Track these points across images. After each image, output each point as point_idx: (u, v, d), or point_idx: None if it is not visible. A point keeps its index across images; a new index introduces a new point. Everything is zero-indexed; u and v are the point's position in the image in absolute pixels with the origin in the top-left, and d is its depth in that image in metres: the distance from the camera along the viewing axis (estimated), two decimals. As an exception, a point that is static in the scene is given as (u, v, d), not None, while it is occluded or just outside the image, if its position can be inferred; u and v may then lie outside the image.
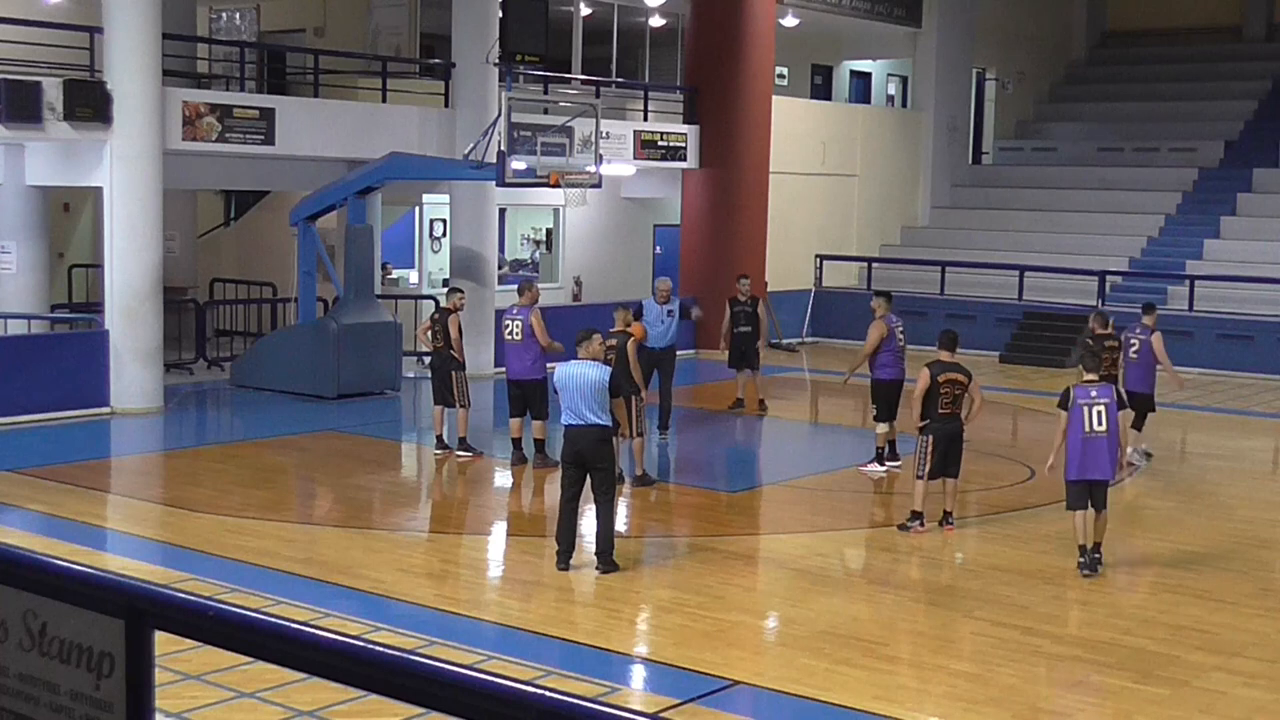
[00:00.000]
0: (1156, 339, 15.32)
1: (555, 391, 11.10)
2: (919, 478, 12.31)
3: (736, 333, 18.08)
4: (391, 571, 10.76)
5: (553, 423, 13.37)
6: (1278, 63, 32.37)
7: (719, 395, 19.86)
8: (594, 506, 10.84)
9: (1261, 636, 9.71)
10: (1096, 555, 11.12)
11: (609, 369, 11.19)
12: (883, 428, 14.69)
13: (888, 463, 14.94)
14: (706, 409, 19.27)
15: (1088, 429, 10.93)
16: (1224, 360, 23.35)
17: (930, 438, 12.19)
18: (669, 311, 16.59)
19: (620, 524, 12.48)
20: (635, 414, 13.56)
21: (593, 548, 10.90)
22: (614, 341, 13.60)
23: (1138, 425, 15.55)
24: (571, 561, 10.84)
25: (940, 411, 12.16)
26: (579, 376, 10.81)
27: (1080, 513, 11.11)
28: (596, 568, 10.77)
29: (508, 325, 14.62)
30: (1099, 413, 10.92)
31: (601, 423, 10.72)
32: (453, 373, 15.08)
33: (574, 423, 10.74)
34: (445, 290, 16.21)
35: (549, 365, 13.33)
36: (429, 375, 15.67)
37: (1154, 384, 15.51)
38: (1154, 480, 15.19)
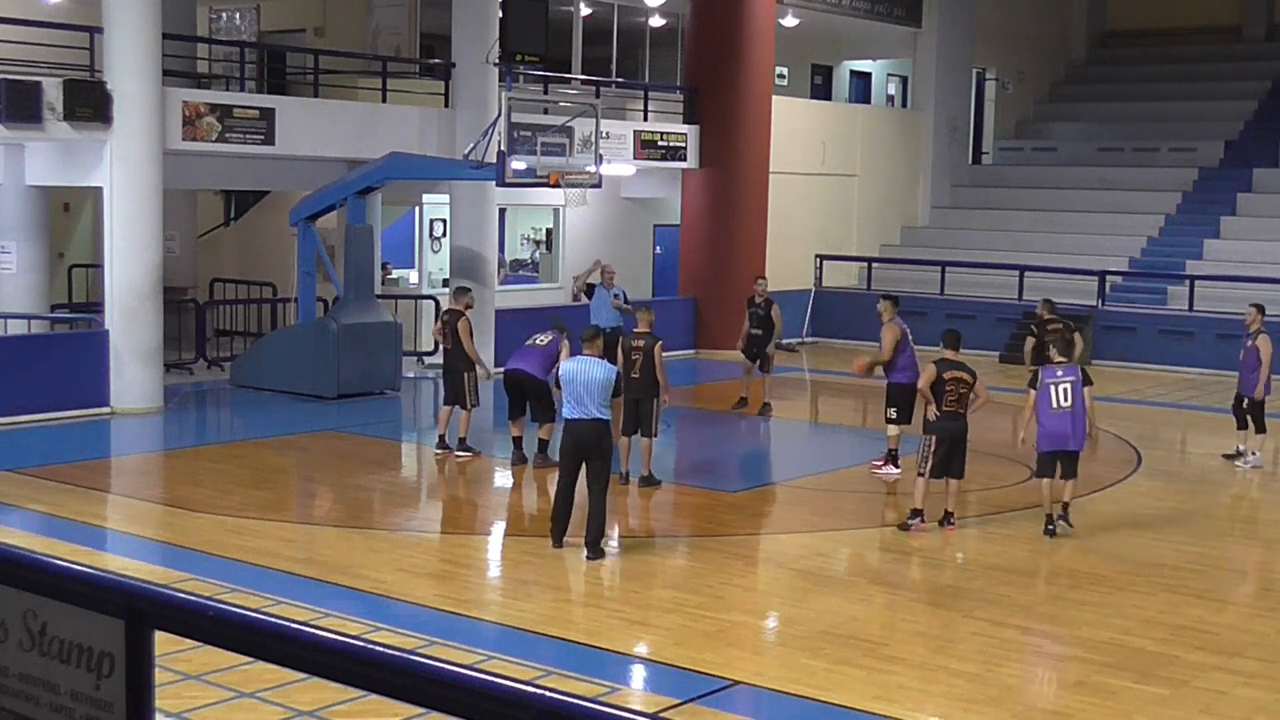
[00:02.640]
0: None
1: (558, 386, 11.45)
2: (920, 475, 12.34)
3: (750, 334, 18.28)
4: (391, 571, 10.75)
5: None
6: (1278, 63, 32.37)
7: (719, 395, 19.87)
8: (588, 496, 11.17)
9: (1261, 636, 9.71)
10: (1063, 515, 12.12)
11: (615, 367, 11.57)
12: (894, 430, 14.67)
13: (888, 466, 14.92)
14: (706, 409, 19.27)
15: (1054, 405, 12.06)
16: (1224, 360, 23.24)
17: (934, 436, 12.23)
18: (615, 295, 18.41)
19: (622, 524, 12.51)
20: (655, 415, 13.85)
21: (585, 545, 11.16)
22: (640, 343, 13.71)
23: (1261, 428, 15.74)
24: (566, 539, 11.23)
25: (944, 409, 12.18)
26: (586, 372, 11.18)
27: (1047, 480, 12.16)
28: (586, 556, 11.09)
29: (537, 338, 14.74)
30: (1064, 390, 12.04)
31: (603, 417, 11.13)
32: (465, 373, 15.11)
33: (577, 416, 11.12)
34: (452, 291, 16.18)
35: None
36: (429, 375, 15.68)
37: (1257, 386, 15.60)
38: (1154, 480, 15.19)
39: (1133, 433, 17.51)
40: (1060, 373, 12.14)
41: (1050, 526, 12.07)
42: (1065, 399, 12.02)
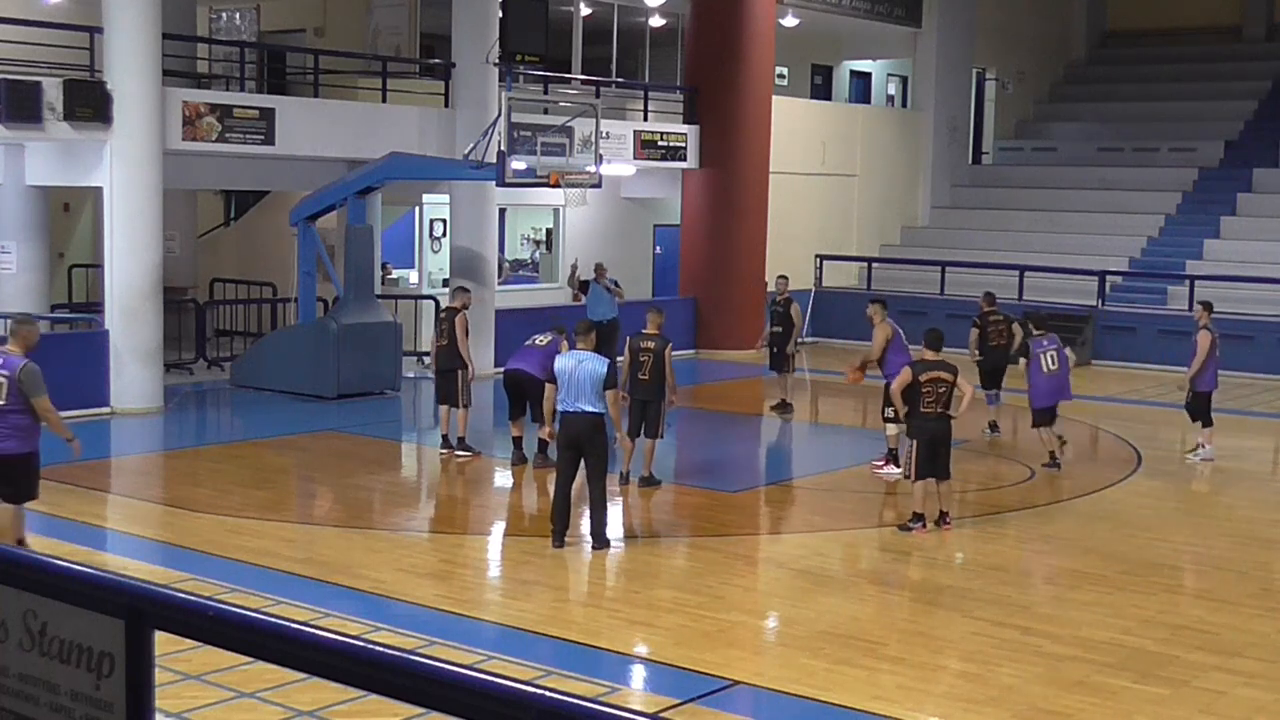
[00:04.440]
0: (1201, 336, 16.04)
1: (554, 380, 11.59)
2: (906, 478, 12.37)
3: (770, 333, 18.34)
4: (391, 571, 10.75)
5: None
6: (1278, 63, 32.37)
7: (720, 395, 19.87)
8: (588, 489, 11.42)
9: (1261, 636, 9.71)
10: (1063, 445, 15.18)
11: (608, 360, 11.69)
12: (893, 429, 14.69)
13: (889, 465, 14.92)
14: (707, 409, 19.27)
15: (1045, 370, 14.94)
16: (1224, 360, 23.17)
17: (914, 440, 12.19)
18: (606, 288, 20.05)
19: (622, 524, 12.52)
20: (661, 416, 13.92)
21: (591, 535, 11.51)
22: (650, 345, 13.69)
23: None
24: (566, 539, 11.38)
25: (923, 410, 12.14)
26: (579, 366, 11.34)
27: (1045, 428, 14.98)
28: (592, 546, 11.39)
29: (536, 338, 14.81)
30: (1051, 356, 15.00)
31: (597, 411, 11.29)
32: (459, 372, 15.12)
33: (571, 410, 11.32)
34: (451, 289, 16.37)
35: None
36: (429, 375, 15.71)
37: (1205, 380, 15.95)
38: (1154, 480, 15.19)
39: (1133, 433, 17.51)
40: (1046, 343, 15.09)
41: (1056, 460, 14.84)
42: (1053, 364, 14.98)
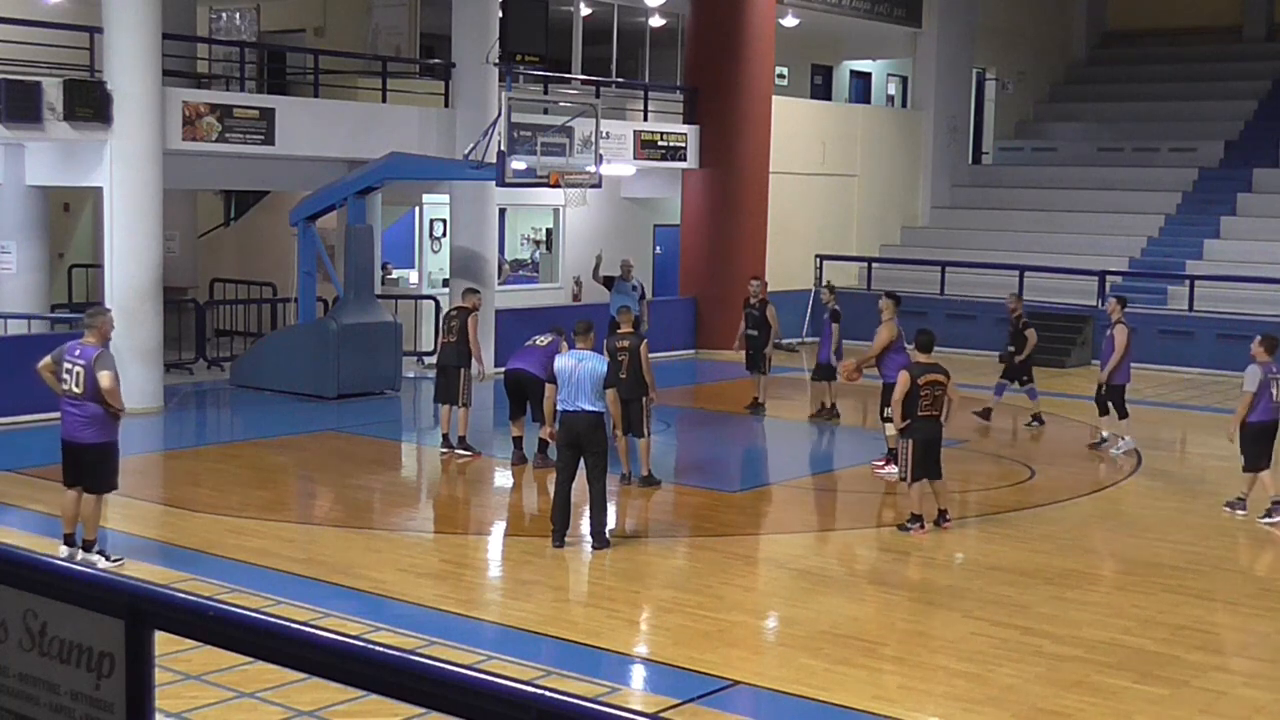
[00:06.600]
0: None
1: (554, 380, 11.70)
2: (903, 480, 12.35)
3: (744, 335, 18.30)
4: (391, 571, 10.76)
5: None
6: (1278, 63, 32.36)
7: (719, 395, 19.85)
8: (588, 488, 11.46)
9: (1261, 636, 9.71)
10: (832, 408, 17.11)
11: (606, 360, 11.86)
12: (892, 429, 14.67)
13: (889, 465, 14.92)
14: (706, 409, 19.27)
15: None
16: (1224, 360, 23.29)
17: (911, 441, 12.18)
18: (632, 287, 19.89)
19: (622, 524, 12.52)
20: (646, 415, 13.94)
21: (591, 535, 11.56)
22: (626, 344, 13.72)
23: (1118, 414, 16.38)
24: (566, 539, 11.42)
25: (920, 414, 12.12)
26: (580, 367, 11.45)
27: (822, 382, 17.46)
28: (592, 546, 11.43)
29: (536, 339, 14.87)
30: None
31: (597, 410, 11.41)
32: (461, 370, 15.14)
33: (571, 409, 11.42)
34: (462, 290, 16.44)
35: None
36: (429, 375, 15.71)
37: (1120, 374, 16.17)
38: (1154, 480, 15.19)
39: (1133, 433, 17.48)
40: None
41: (835, 411, 17.53)
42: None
